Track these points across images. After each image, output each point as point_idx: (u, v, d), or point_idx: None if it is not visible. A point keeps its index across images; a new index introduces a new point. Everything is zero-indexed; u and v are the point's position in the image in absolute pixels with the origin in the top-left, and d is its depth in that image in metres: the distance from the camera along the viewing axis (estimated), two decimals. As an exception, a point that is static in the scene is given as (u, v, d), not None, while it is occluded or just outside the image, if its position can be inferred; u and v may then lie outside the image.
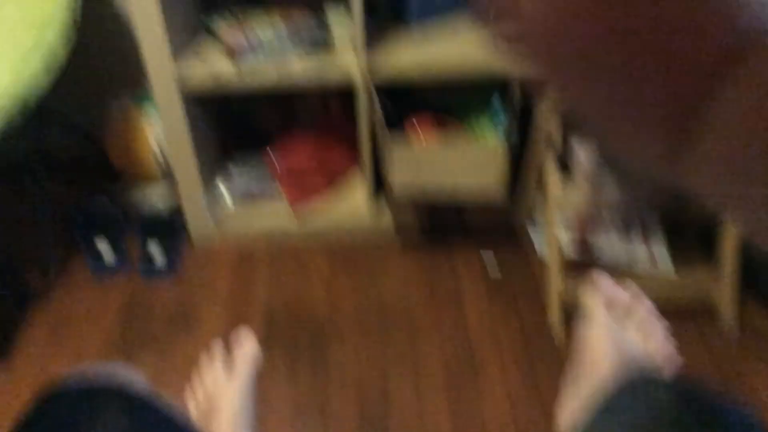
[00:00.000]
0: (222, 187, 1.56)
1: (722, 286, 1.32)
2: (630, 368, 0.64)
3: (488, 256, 1.51)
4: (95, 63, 1.70)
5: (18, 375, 1.30)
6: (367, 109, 1.40)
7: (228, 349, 0.87)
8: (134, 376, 0.60)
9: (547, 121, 1.27)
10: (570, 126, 1.51)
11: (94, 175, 1.74)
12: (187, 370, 1.29)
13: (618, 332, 0.75)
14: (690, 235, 1.51)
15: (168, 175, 1.67)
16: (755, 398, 1.20)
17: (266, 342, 1.34)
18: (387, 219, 1.56)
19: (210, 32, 1.45)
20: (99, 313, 1.42)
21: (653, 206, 1.54)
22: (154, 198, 1.69)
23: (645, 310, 0.78)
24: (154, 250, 1.53)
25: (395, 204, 1.50)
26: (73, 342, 1.36)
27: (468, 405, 1.20)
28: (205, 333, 1.37)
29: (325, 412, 1.20)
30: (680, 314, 1.34)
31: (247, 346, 0.83)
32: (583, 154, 1.54)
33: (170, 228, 1.58)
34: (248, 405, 0.79)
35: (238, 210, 1.60)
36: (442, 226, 1.55)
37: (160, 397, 0.58)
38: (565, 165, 1.38)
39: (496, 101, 1.46)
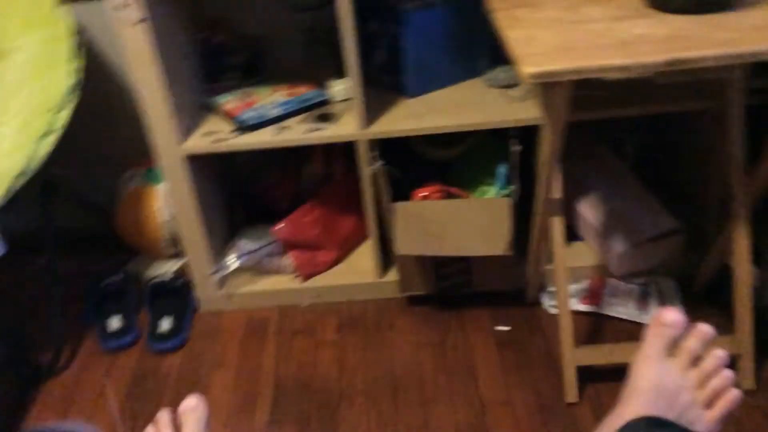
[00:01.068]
0: (231, 262, 1.57)
1: (738, 345, 1.29)
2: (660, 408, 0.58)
3: (496, 315, 1.50)
4: (108, 140, 1.74)
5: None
6: (370, 176, 1.41)
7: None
8: None
9: (549, 183, 1.28)
10: (575, 186, 1.52)
11: (105, 251, 1.76)
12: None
13: (670, 367, 0.69)
14: (706, 297, 1.49)
15: (178, 249, 1.69)
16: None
17: (276, 414, 1.32)
18: (394, 282, 1.55)
19: (215, 106, 1.49)
20: (108, 388, 1.41)
21: (666, 267, 1.52)
22: (163, 271, 1.70)
23: (714, 362, 0.70)
24: (164, 321, 1.53)
25: (402, 265, 1.50)
26: (84, 418, 1.34)
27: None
28: (214, 404, 1.35)
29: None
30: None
31: (191, 403, 0.80)
32: (590, 215, 1.54)
33: (180, 300, 1.58)
34: None
35: (247, 278, 1.60)
36: (449, 288, 1.54)
37: None
38: (570, 228, 1.37)
39: (502, 171, 1.47)
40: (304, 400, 1.34)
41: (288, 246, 1.57)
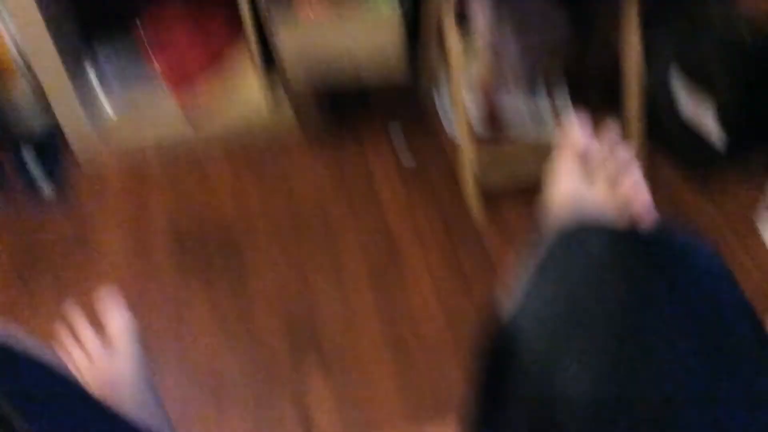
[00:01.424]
0: (92, 76, 1.38)
1: (627, 128, 1.31)
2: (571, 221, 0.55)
3: (398, 136, 1.45)
4: None
5: None
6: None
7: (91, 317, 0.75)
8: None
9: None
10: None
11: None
12: (92, 304, 1.20)
13: (582, 185, 0.67)
14: (593, 91, 1.48)
15: (30, 74, 1.46)
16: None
17: (177, 265, 1.26)
18: (287, 110, 1.45)
19: None
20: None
21: (556, 56, 1.49)
22: (26, 113, 1.50)
23: (621, 158, 0.68)
24: (38, 175, 1.38)
25: (292, 91, 1.39)
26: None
27: (394, 298, 1.19)
28: (107, 262, 1.27)
29: (251, 330, 1.16)
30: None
31: (117, 317, 0.70)
32: (481, 13, 1.45)
33: (50, 149, 1.42)
34: (146, 380, 0.69)
35: (123, 118, 1.44)
36: (345, 110, 1.46)
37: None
38: (463, 27, 1.29)
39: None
40: (205, 246, 1.29)
41: (152, 47, 1.39)
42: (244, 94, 1.48)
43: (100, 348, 0.69)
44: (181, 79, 1.44)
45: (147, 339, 1.14)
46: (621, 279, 0.47)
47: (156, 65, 1.42)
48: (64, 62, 1.32)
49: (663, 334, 0.44)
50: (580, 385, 0.44)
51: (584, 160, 0.68)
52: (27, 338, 0.49)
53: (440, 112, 1.49)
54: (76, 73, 1.39)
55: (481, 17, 1.44)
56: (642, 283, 0.47)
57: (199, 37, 1.43)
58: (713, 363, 0.43)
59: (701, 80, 1.25)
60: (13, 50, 1.40)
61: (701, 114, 1.27)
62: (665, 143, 1.38)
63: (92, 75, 1.40)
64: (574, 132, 0.68)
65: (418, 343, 1.13)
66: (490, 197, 1.32)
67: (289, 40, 1.24)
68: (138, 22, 1.35)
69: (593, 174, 0.68)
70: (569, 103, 1.47)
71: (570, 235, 0.52)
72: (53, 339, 0.68)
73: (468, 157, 1.27)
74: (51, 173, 1.39)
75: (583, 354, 0.45)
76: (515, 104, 1.48)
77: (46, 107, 1.41)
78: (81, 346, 0.70)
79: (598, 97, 1.47)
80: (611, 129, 0.70)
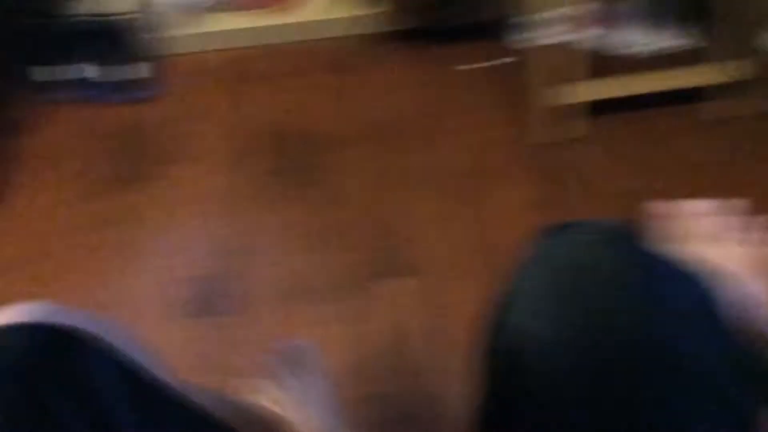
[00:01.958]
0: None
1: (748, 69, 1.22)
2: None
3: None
4: None
5: (15, 214, 1.24)
6: None
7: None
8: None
9: None
10: None
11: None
12: (189, 200, 1.23)
13: (706, 249, 0.59)
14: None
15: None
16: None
17: (273, 164, 1.26)
18: (382, 16, 1.40)
19: None
20: (87, 146, 1.32)
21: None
22: (116, 7, 1.50)
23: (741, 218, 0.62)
24: (134, 67, 1.39)
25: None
26: (65, 180, 1.27)
27: (488, 216, 1.17)
28: (206, 159, 1.28)
29: (344, 234, 1.17)
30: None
31: (311, 361, 0.71)
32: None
33: (145, 42, 1.42)
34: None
35: (220, 16, 1.43)
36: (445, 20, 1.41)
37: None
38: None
39: None
40: (300, 148, 1.28)
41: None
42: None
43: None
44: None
45: (240, 236, 1.17)
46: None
47: None
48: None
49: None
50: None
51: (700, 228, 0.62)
52: (98, 321, 0.48)
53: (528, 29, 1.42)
54: None
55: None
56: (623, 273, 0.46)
57: None
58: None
59: None
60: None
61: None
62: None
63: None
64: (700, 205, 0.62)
65: (507, 251, 1.12)
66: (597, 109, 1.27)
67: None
68: None
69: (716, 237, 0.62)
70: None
71: (560, 228, 0.52)
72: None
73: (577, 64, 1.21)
74: (142, 66, 1.39)
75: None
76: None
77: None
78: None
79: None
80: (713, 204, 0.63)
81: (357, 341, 1.04)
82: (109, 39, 1.41)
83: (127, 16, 1.42)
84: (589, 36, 1.37)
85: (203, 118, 1.35)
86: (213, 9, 1.42)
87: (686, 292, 0.46)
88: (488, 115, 1.31)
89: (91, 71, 1.39)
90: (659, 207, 0.63)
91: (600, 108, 1.26)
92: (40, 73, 1.39)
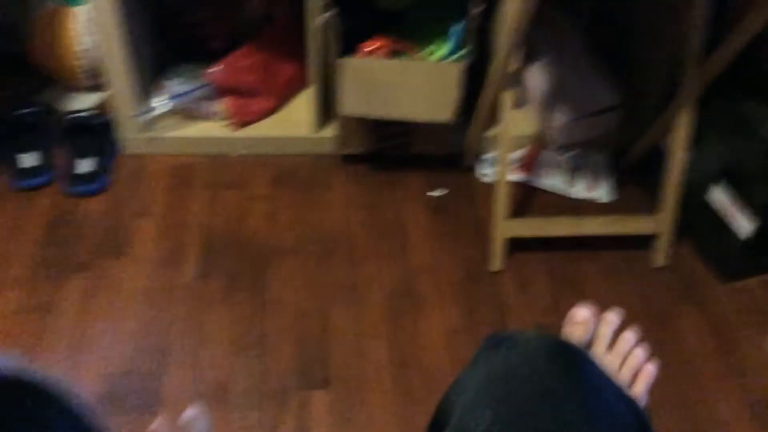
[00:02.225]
0: (157, 100, 1.46)
1: (660, 225, 1.34)
2: None
3: (434, 193, 1.49)
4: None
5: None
6: (318, 26, 1.31)
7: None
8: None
9: (506, 52, 1.22)
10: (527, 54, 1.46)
11: (16, 77, 1.60)
12: (117, 295, 1.24)
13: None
14: (634, 172, 1.53)
15: (97, 80, 1.55)
16: (680, 340, 1.25)
17: (203, 268, 1.30)
18: (332, 137, 1.50)
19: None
20: (22, 233, 1.34)
21: (603, 129, 1.53)
22: (82, 105, 1.58)
23: (627, 344, 0.72)
24: (83, 161, 1.44)
25: (342, 122, 1.44)
26: (-5, 261, 1.29)
27: (406, 338, 1.21)
28: (138, 257, 1.31)
29: (263, 345, 1.19)
30: (615, 244, 1.37)
31: (193, 413, 0.70)
32: (536, 82, 1.51)
33: (100, 139, 1.48)
34: None
35: (175, 122, 1.51)
36: (388, 148, 1.50)
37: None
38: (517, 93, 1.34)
39: (456, 31, 1.39)
40: (233, 255, 1.33)
41: (222, 91, 1.47)
42: (294, 117, 1.54)
43: None
44: (244, 120, 1.50)
45: (164, 338, 1.18)
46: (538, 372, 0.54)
47: (222, 106, 1.49)
48: (135, 81, 1.41)
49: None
50: None
51: (587, 336, 0.72)
52: (44, 373, 0.51)
53: (479, 165, 1.53)
54: (142, 92, 1.47)
55: (537, 87, 1.50)
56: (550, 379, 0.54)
57: (267, 85, 1.50)
58: None
59: (742, 187, 1.28)
60: (86, 60, 1.49)
61: (734, 212, 1.30)
62: (691, 231, 1.40)
63: (157, 97, 1.47)
64: (579, 314, 0.72)
65: (420, 375, 1.15)
66: (513, 247, 1.35)
67: (350, 72, 1.29)
68: (212, 65, 1.43)
69: (599, 351, 0.72)
70: (607, 172, 1.51)
71: (503, 336, 0.59)
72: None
73: (500, 201, 1.30)
74: (96, 162, 1.44)
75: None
76: (554, 161, 1.52)
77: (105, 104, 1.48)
78: None
79: (636, 173, 1.51)
80: (614, 314, 0.73)
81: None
82: (65, 134, 1.47)
83: (83, 114, 1.49)
84: (524, 177, 1.50)
85: (141, 216, 1.38)
86: (168, 115, 1.49)
87: (619, 406, 0.55)
88: (426, 242, 1.38)
89: (35, 160, 1.43)
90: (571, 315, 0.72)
91: (518, 245, 1.35)
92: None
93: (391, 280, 1.31)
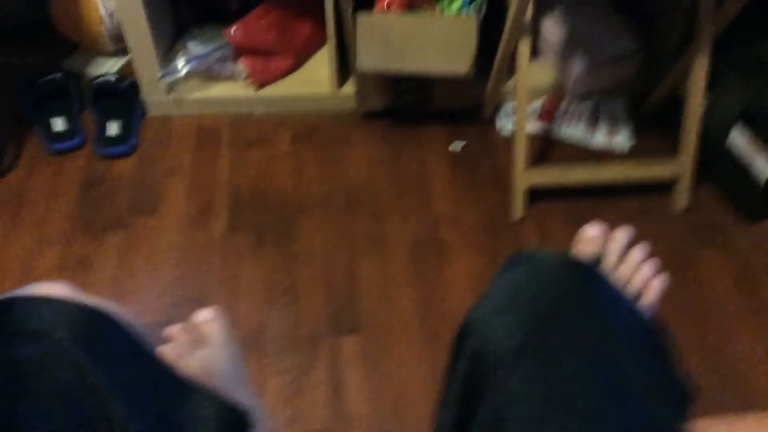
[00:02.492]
0: (179, 62, 1.49)
1: (680, 168, 1.35)
2: None
3: (456, 143, 1.51)
4: None
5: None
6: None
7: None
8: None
9: (522, 3, 1.23)
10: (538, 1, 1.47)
11: (40, 43, 1.64)
12: (153, 251, 1.29)
13: None
14: (653, 119, 1.53)
15: (120, 44, 1.58)
16: (702, 282, 1.27)
17: (233, 223, 1.34)
18: (352, 94, 1.52)
19: None
20: (58, 194, 1.38)
21: (621, 75, 1.53)
22: (106, 69, 1.61)
23: (637, 256, 0.74)
24: (111, 124, 1.48)
25: (361, 79, 1.46)
26: (35, 225, 1.33)
27: (431, 285, 1.25)
28: (170, 214, 1.35)
29: (293, 294, 1.23)
30: (636, 192, 1.39)
31: (208, 314, 0.73)
32: (552, 31, 1.51)
33: (126, 102, 1.52)
34: (239, 378, 0.71)
35: (197, 84, 1.53)
36: (407, 103, 1.52)
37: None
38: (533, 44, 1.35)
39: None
40: (259, 210, 1.36)
41: (240, 51, 1.49)
42: (314, 75, 1.56)
43: (190, 345, 0.71)
44: (263, 80, 1.52)
45: (199, 289, 1.23)
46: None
47: (242, 66, 1.51)
48: (156, 43, 1.43)
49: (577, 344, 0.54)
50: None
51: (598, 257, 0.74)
52: (101, 301, 0.56)
53: (498, 117, 1.55)
54: (164, 54, 1.50)
55: (552, 37, 1.51)
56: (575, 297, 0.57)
57: (285, 45, 1.52)
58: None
59: (762, 129, 1.29)
60: (109, 23, 1.52)
61: (754, 154, 1.30)
62: (711, 175, 1.41)
63: (178, 58, 1.50)
64: (588, 231, 0.74)
65: (445, 319, 1.19)
66: (533, 197, 1.37)
67: (366, 28, 1.31)
68: (230, 26, 1.45)
69: (609, 266, 0.74)
70: (626, 119, 1.52)
71: (522, 255, 0.64)
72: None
73: (519, 151, 1.32)
74: (123, 124, 1.48)
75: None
76: (573, 110, 1.53)
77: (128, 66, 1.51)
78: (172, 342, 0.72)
79: (656, 119, 1.52)
80: (623, 231, 0.75)
81: (296, 394, 1.09)
82: (92, 97, 1.50)
83: (109, 78, 1.52)
84: (543, 127, 1.52)
85: (170, 175, 1.43)
86: (190, 77, 1.52)
87: (628, 317, 0.59)
88: (448, 193, 1.41)
89: (66, 124, 1.47)
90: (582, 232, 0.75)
91: (539, 195, 1.37)
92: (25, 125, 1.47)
93: (414, 231, 1.34)
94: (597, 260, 0.72)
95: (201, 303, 1.20)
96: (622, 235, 0.74)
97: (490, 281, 0.64)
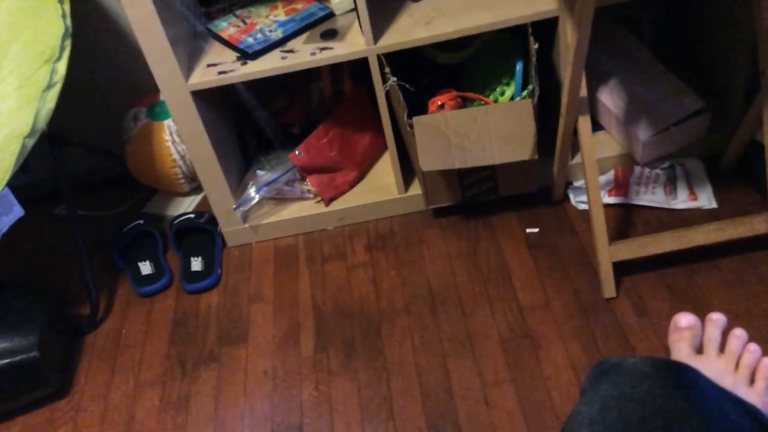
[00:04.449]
0: (251, 191, 1.55)
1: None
2: None
3: (531, 230, 1.49)
4: (106, 81, 1.68)
5: (82, 407, 1.32)
6: (381, 86, 1.36)
7: None
8: None
9: (575, 81, 1.22)
10: (591, 72, 1.46)
11: (122, 194, 1.74)
12: (247, 380, 1.29)
13: (702, 362, 0.69)
14: (734, 172, 1.47)
15: (194, 183, 1.66)
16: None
17: (321, 341, 1.34)
18: (419, 195, 1.53)
19: (213, 35, 1.42)
20: (152, 335, 1.43)
21: (692, 148, 1.47)
22: (184, 208, 1.69)
23: (738, 342, 0.70)
24: (194, 260, 1.53)
25: (425, 179, 1.47)
26: (132, 369, 1.37)
27: (532, 382, 1.19)
28: (259, 340, 1.37)
29: (389, 407, 1.20)
30: (731, 250, 1.31)
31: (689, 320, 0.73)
32: (611, 103, 1.50)
33: (206, 237, 1.58)
34: None
35: (270, 208, 1.58)
36: (475, 195, 1.52)
37: None
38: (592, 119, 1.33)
39: (518, 70, 1.41)
40: (345, 324, 1.36)
41: (306, 171, 1.54)
42: (379, 182, 1.59)
43: None
44: (331, 196, 1.57)
45: (296, 414, 1.22)
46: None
47: (309, 185, 1.57)
48: (226, 176, 1.50)
49: None
50: None
51: (697, 343, 0.71)
52: None
53: (571, 193, 1.52)
54: (235, 185, 1.57)
55: (611, 102, 1.49)
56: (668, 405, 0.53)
57: (348, 158, 1.57)
58: None
59: None
60: (183, 166, 1.61)
61: None
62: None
63: (250, 187, 1.56)
64: (682, 320, 0.72)
65: (553, 415, 1.13)
66: (623, 271, 1.31)
67: (422, 129, 1.33)
68: (295, 150, 1.51)
69: (711, 355, 0.71)
70: (706, 177, 1.46)
71: (609, 364, 0.60)
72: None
73: (599, 227, 1.28)
74: (206, 259, 1.53)
75: None
76: (648, 176, 1.49)
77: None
78: None
79: (738, 173, 1.46)
80: (719, 315, 0.72)
81: None
82: (175, 237, 1.57)
83: (188, 216, 1.59)
84: (621, 199, 1.47)
85: (255, 302, 1.45)
86: (263, 203, 1.57)
87: (732, 414, 0.54)
88: (532, 280, 1.37)
89: (152, 267, 1.54)
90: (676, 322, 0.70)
91: (629, 268, 1.32)
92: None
93: (505, 324, 1.30)
94: (696, 349, 0.67)
95: (300, 428, 1.19)
96: (718, 317, 0.70)
97: (578, 393, 0.61)
